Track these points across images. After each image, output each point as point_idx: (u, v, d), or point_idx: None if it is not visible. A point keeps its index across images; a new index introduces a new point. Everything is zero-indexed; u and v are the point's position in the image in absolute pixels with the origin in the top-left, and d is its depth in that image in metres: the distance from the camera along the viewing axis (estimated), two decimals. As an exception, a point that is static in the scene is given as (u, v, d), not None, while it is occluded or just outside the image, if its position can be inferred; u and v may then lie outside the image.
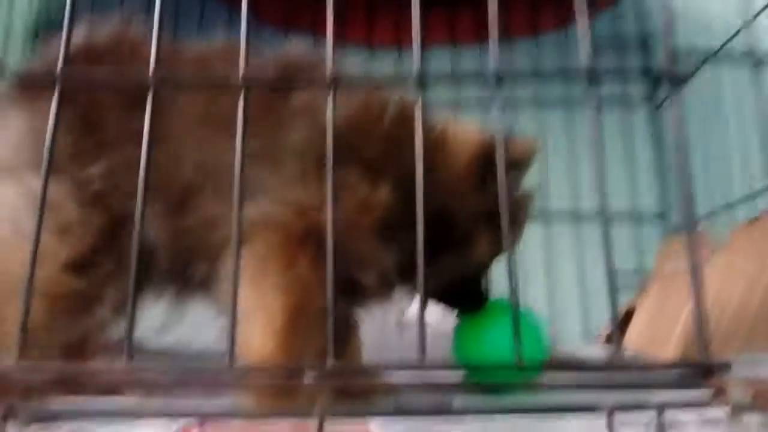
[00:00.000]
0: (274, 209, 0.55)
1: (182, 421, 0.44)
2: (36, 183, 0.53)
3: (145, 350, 0.99)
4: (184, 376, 0.39)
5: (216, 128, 0.57)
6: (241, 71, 0.39)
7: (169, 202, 0.57)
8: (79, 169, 0.57)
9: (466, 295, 0.66)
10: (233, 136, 0.53)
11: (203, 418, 0.44)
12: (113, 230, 0.56)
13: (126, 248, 0.54)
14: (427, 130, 0.62)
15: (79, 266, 0.55)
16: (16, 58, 1.16)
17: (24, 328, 0.35)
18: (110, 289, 0.57)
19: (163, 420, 0.44)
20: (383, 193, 0.57)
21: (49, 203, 0.52)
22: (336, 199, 0.53)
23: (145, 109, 0.54)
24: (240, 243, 0.50)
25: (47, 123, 0.53)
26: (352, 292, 0.58)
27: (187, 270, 0.59)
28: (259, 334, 0.52)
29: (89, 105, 0.58)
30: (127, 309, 0.35)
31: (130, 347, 0.34)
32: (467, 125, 0.67)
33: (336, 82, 0.40)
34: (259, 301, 0.53)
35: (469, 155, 0.63)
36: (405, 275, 0.59)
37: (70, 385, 0.38)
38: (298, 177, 0.57)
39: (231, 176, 0.53)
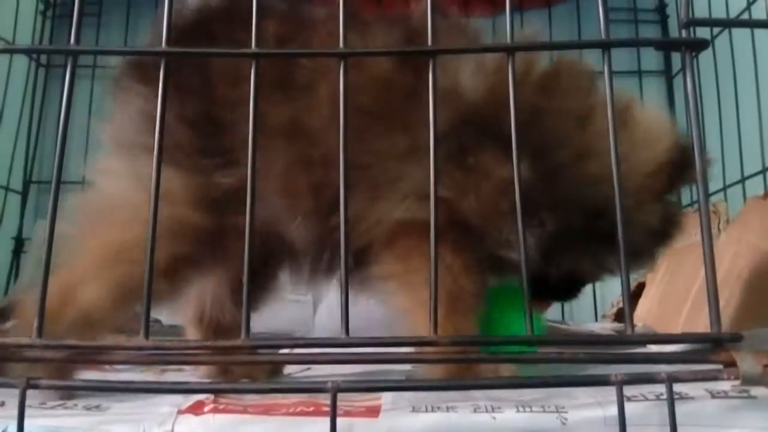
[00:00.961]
0: (417, 210, 0.54)
1: (197, 396, 0.45)
2: (147, 169, 0.53)
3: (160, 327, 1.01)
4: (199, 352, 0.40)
5: (365, 127, 0.54)
6: (253, 42, 0.39)
7: (320, 200, 0.55)
8: (202, 170, 0.55)
9: (564, 289, 0.63)
10: (380, 134, 0.54)
11: (217, 393, 0.45)
12: (222, 234, 0.54)
13: (232, 251, 0.53)
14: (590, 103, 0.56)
15: (175, 272, 0.54)
16: (26, 35, 1.17)
17: (42, 308, 0.36)
18: (206, 287, 0.58)
19: (178, 395, 0.45)
20: (521, 171, 0.55)
21: (163, 194, 0.53)
22: (475, 182, 0.53)
23: (277, 105, 0.54)
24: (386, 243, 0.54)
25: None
26: (500, 269, 0.57)
27: (327, 264, 0.60)
28: (424, 328, 0.52)
29: (214, 100, 0.56)
30: (145, 289, 0.35)
31: (146, 325, 0.35)
32: (655, 112, 0.60)
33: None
34: (416, 300, 0.53)
35: (665, 155, 0.56)
36: (544, 254, 0.57)
37: (89, 360, 0.39)
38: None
39: (382, 174, 0.54)
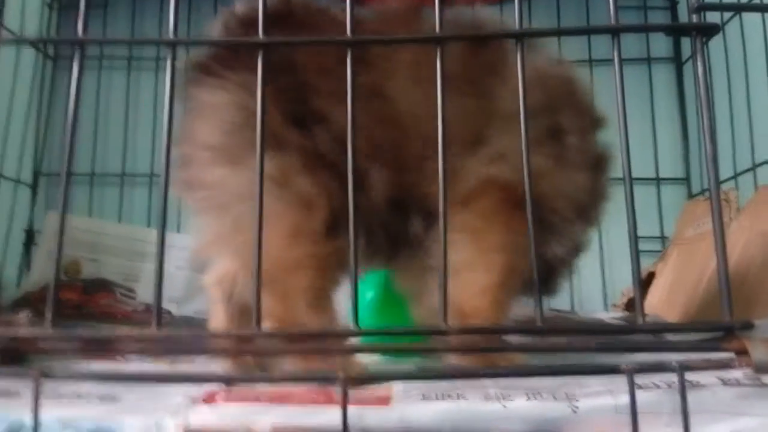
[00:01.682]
0: (504, 170, 0.56)
1: (208, 385, 0.45)
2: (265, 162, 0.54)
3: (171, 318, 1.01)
4: (211, 342, 0.40)
5: (434, 87, 0.57)
6: (260, 32, 0.39)
7: (395, 159, 0.57)
8: (301, 138, 0.55)
9: None
10: (462, 98, 0.56)
11: (229, 382, 0.45)
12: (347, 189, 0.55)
13: (363, 200, 0.55)
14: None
15: (331, 230, 0.54)
16: (33, 28, 1.17)
17: (56, 298, 0.36)
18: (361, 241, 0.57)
19: (190, 385, 0.45)
20: (585, 176, 0.60)
21: (283, 180, 0.54)
22: (556, 172, 0.58)
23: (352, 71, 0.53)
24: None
25: (254, 96, 0.53)
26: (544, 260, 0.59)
27: (401, 226, 0.60)
28: (473, 288, 0.54)
29: (294, 71, 0.56)
30: (155, 277, 0.35)
31: (159, 314, 0.35)
32: None
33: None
34: (478, 257, 0.55)
35: None
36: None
37: (102, 350, 0.39)
38: (531, 143, 0.58)
39: (468, 134, 0.57)
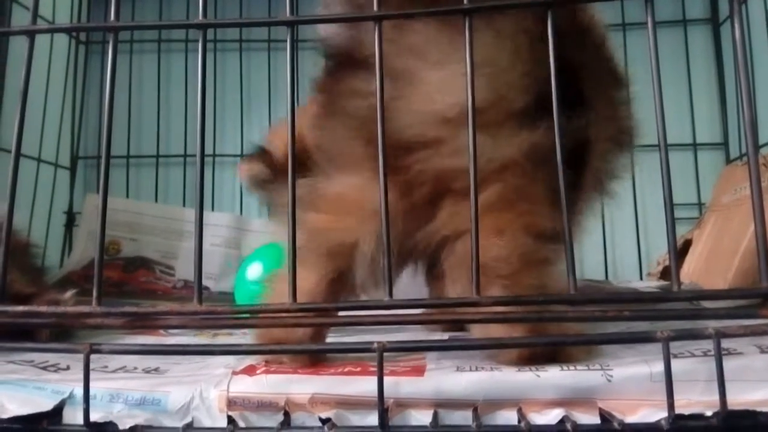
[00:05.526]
0: None
1: (249, 358, 0.47)
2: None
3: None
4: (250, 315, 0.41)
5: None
6: (288, 11, 0.39)
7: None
8: (531, 125, 0.45)
9: None
10: None
11: (269, 354, 0.47)
12: None
13: None
14: None
15: None
16: (64, 13, 1.19)
17: (99, 278, 0.38)
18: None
19: (231, 357, 0.47)
20: None
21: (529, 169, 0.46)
22: None
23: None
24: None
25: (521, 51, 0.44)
26: None
27: None
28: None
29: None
30: (195, 256, 0.37)
31: (200, 290, 0.36)
32: None
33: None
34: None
35: None
36: None
37: (146, 325, 0.40)
38: None
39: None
